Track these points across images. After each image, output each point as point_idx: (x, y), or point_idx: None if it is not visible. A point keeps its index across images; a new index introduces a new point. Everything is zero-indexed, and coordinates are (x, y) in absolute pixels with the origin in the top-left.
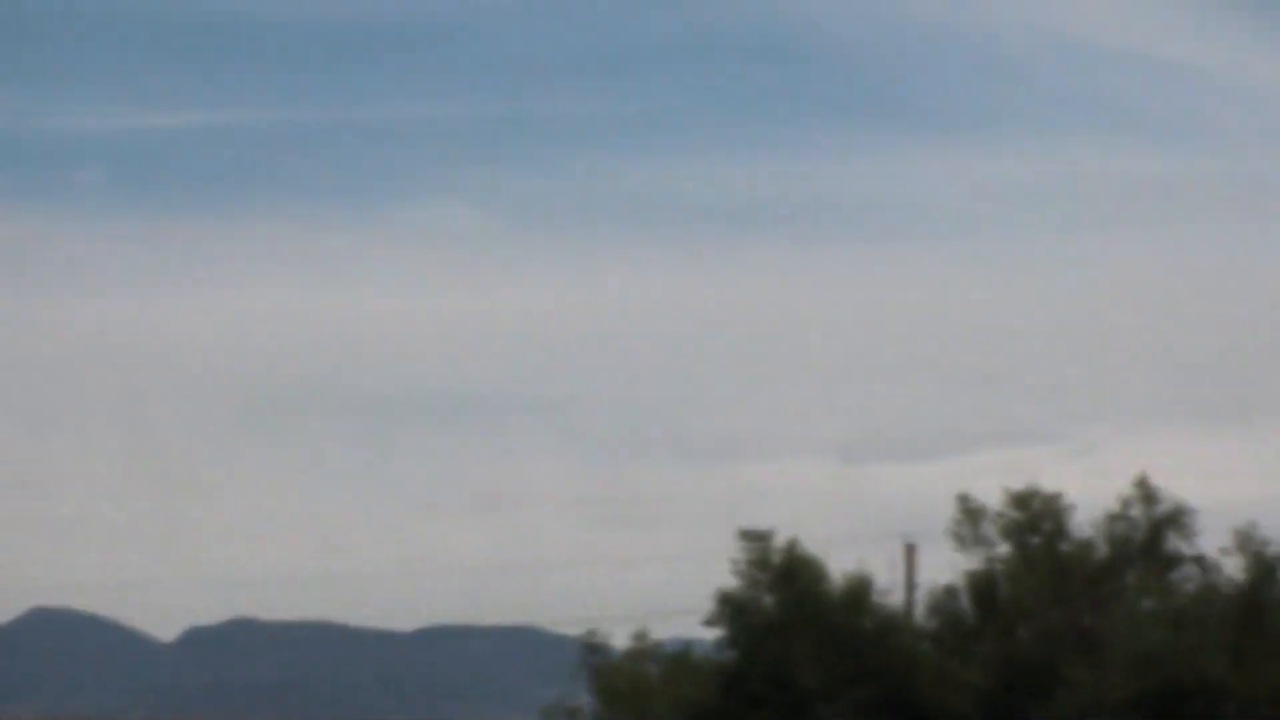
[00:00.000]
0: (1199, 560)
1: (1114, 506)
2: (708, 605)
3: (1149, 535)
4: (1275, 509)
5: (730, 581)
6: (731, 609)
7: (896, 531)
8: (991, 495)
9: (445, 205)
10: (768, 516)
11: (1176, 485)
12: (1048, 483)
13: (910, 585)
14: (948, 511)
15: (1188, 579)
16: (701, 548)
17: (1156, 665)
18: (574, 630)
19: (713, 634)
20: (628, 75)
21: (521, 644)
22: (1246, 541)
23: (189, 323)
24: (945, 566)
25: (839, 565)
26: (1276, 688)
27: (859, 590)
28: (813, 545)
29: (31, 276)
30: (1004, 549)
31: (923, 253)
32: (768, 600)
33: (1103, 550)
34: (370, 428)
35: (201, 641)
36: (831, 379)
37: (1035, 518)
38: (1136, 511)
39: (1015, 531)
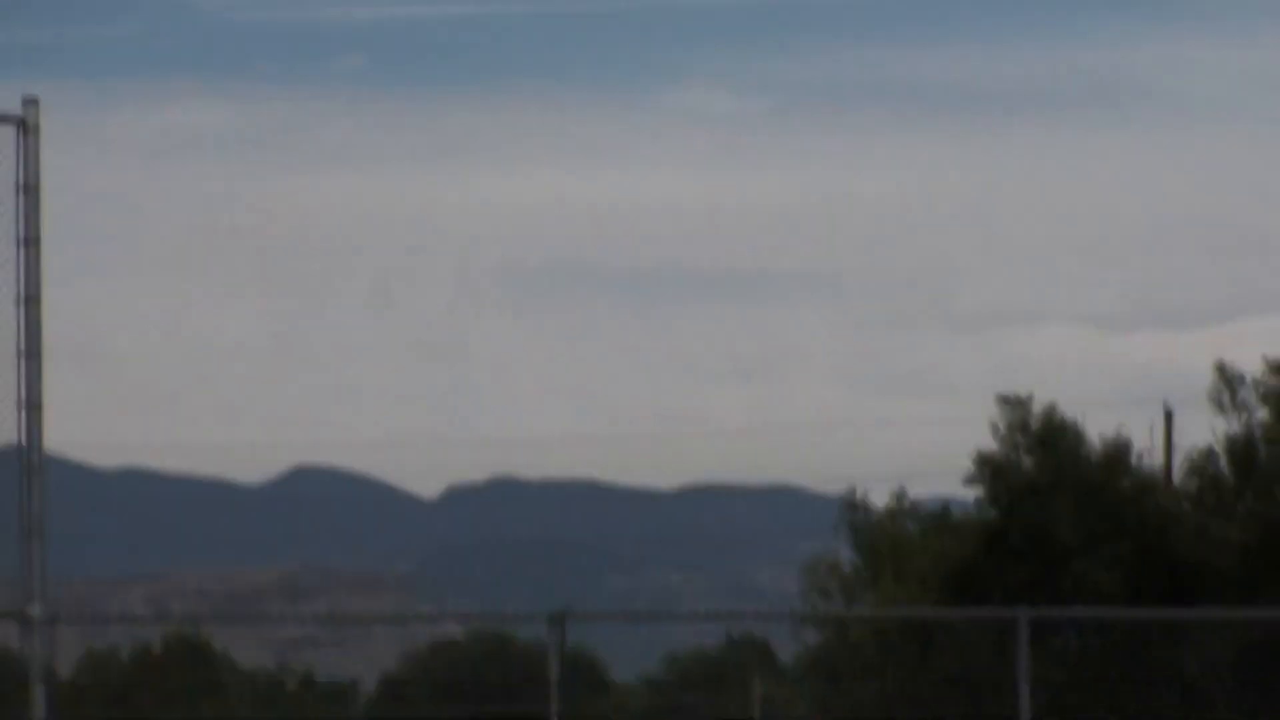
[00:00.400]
0: None
1: None
2: (965, 467)
3: None
4: None
5: (989, 444)
6: (991, 470)
7: (1154, 397)
8: (1250, 364)
9: (705, 89)
10: (1027, 383)
11: None
12: None
13: (1168, 449)
14: (1204, 379)
15: None
16: (959, 413)
17: None
18: (834, 489)
19: (970, 494)
20: None
21: (782, 503)
22: None
23: (455, 200)
24: (1203, 432)
25: (1097, 430)
26: None
27: (1117, 452)
28: (1071, 410)
29: (298, 157)
30: (1262, 415)
31: (1181, 130)
32: (1027, 462)
33: None
34: (634, 300)
35: (463, 499)
36: (1091, 251)
37: None
38: None
39: (1274, 398)
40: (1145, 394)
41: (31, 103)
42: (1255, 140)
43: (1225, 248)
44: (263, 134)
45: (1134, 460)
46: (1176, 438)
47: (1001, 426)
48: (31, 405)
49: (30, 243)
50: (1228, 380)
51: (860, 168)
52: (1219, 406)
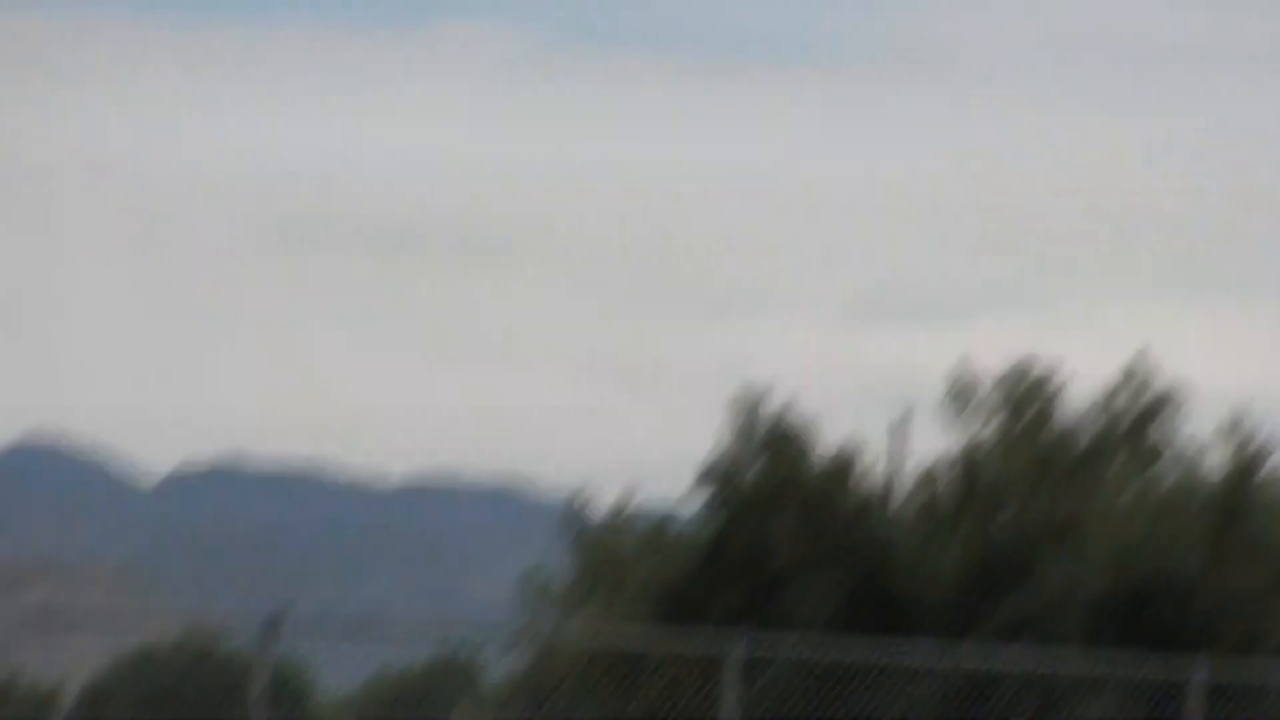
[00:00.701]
0: (1183, 451)
1: (1110, 382)
2: (694, 467)
3: (1137, 421)
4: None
5: (718, 446)
6: (717, 477)
7: (895, 396)
8: (992, 362)
9: (472, 29)
10: (767, 375)
11: (1177, 360)
12: (1048, 351)
13: (901, 457)
14: (943, 376)
15: (1170, 469)
16: (693, 405)
17: (1132, 558)
18: (561, 490)
19: (696, 501)
20: None
21: (506, 503)
22: (1233, 432)
23: (202, 140)
24: (939, 433)
25: (834, 431)
26: (1253, 585)
27: (843, 465)
28: (808, 409)
29: (46, 81)
30: (990, 429)
31: (934, 108)
32: (753, 470)
33: (1088, 437)
34: (377, 262)
35: (182, 487)
36: (839, 235)
37: (1024, 396)
38: (1125, 396)
39: (1002, 411)
40: (886, 390)
41: None
42: (1004, 129)
43: (971, 239)
44: (12, 55)
45: (860, 473)
46: (915, 439)
47: (731, 428)
48: None
49: None
50: (960, 388)
51: (610, 133)
52: (951, 412)
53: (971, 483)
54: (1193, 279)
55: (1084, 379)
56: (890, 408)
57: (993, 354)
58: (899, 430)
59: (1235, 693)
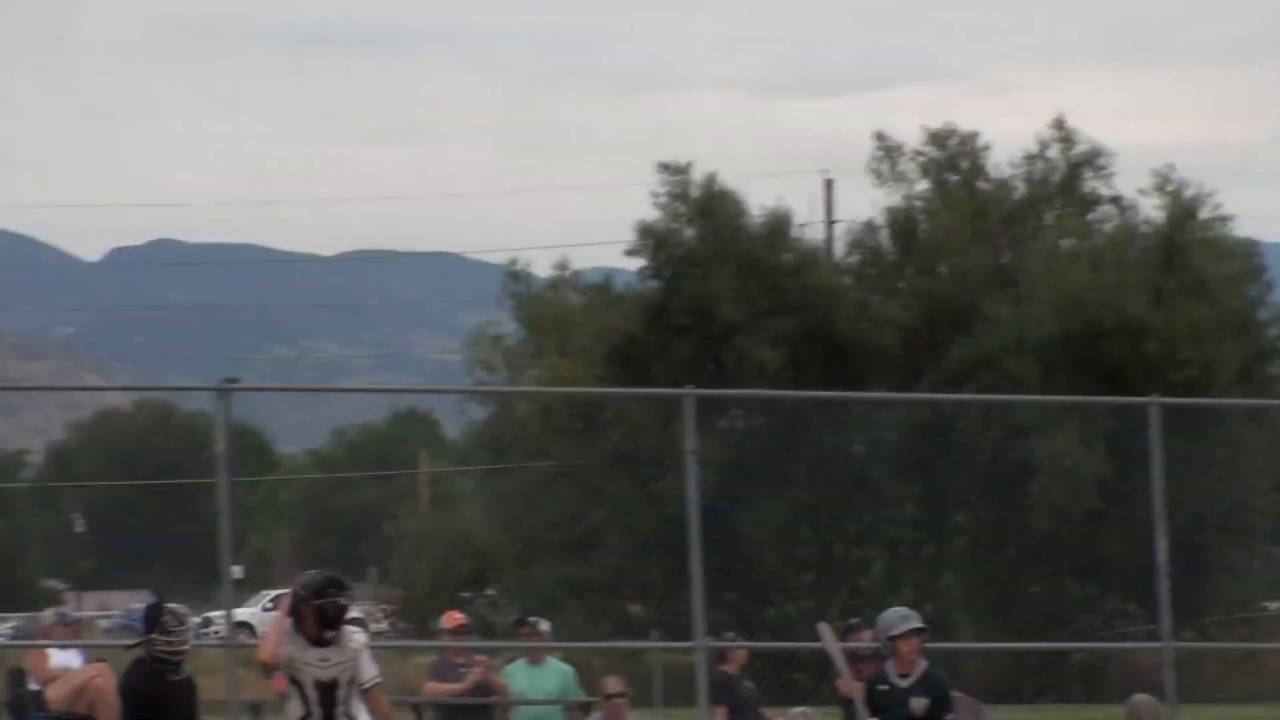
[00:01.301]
0: (1116, 201)
1: (1031, 147)
2: (627, 236)
3: (1067, 176)
4: (1189, 151)
5: (650, 214)
6: (652, 241)
7: (814, 166)
8: (909, 133)
9: None
10: (686, 149)
11: (1093, 127)
12: (964, 121)
13: (829, 220)
14: (865, 147)
15: (1106, 219)
16: (619, 179)
17: (1076, 305)
18: (495, 258)
19: (634, 265)
20: None
21: (443, 270)
22: (1164, 183)
23: None
24: (864, 202)
25: (758, 199)
26: (1195, 323)
27: (778, 224)
28: (732, 179)
29: None
30: (922, 186)
31: None
32: (688, 233)
33: (1021, 190)
34: (286, 58)
35: (126, 261)
36: (746, 15)
37: (953, 156)
38: (1054, 152)
39: (933, 169)
40: (804, 162)
41: None
42: None
43: (880, 13)
44: None
45: (795, 232)
46: (837, 209)
47: (662, 195)
48: None
49: None
50: (887, 150)
51: None
52: (879, 177)
53: (909, 236)
54: (1105, 48)
55: (1005, 142)
56: (809, 175)
57: (907, 122)
58: (828, 189)
59: (1195, 416)
